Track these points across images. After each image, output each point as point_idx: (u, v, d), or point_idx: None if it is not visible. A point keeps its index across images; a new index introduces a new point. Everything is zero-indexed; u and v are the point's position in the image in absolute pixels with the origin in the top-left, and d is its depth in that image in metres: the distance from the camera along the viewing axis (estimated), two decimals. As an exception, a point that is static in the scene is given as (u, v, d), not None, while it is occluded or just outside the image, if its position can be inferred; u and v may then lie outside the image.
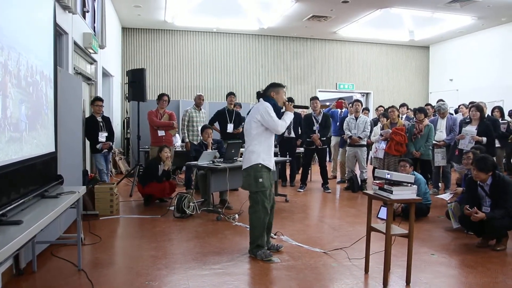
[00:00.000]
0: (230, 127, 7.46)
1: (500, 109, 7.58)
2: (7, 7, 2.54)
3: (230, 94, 7.75)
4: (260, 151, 3.79)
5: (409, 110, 9.04)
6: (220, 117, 7.63)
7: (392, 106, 7.19)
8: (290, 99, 7.82)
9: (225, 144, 6.61)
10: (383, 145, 6.89)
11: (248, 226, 4.07)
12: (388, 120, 7.07)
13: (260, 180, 3.75)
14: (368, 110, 10.23)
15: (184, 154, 7.48)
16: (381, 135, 6.95)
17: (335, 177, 8.86)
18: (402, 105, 8.81)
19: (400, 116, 8.26)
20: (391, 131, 6.75)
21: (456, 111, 8.72)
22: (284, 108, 3.97)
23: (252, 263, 3.64)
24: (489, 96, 10.72)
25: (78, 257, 3.41)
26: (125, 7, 10.24)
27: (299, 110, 7.31)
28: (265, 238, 3.85)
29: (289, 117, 3.90)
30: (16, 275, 3.26)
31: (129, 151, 9.94)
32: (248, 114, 4.05)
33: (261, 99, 3.91)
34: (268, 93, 3.91)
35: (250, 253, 3.84)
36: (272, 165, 3.87)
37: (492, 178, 4.08)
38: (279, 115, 3.85)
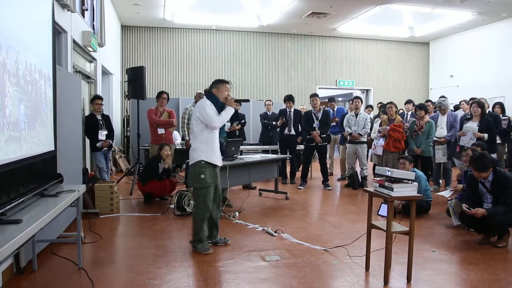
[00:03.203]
0: (227, 126, 7.42)
1: (501, 105, 7.55)
2: (5, 6, 2.52)
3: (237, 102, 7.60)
4: (203, 148, 3.84)
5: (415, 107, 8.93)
6: None
7: (390, 102, 7.14)
8: (290, 97, 7.84)
9: (225, 142, 6.59)
10: (381, 141, 6.87)
11: (247, 224, 4.61)
12: (386, 117, 7.06)
13: (202, 176, 3.82)
14: (372, 108, 10.18)
15: (184, 152, 7.46)
16: (379, 131, 6.93)
17: (331, 173, 8.84)
18: (408, 101, 8.53)
19: (406, 112, 8.21)
20: (389, 127, 6.73)
21: (456, 108, 8.67)
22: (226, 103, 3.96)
23: (253, 260, 3.64)
24: (490, 92, 10.69)
25: (79, 256, 3.41)
26: (124, 5, 10.22)
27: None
28: (205, 232, 3.88)
29: (228, 111, 3.89)
30: (17, 274, 3.25)
31: (129, 149, 9.94)
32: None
33: (204, 97, 4.00)
34: (211, 90, 3.99)
35: (191, 245, 3.92)
36: (217, 161, 3.92)
37: (493, 174, 4.06)
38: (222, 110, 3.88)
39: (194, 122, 3.89)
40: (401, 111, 9.69)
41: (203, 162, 3.83)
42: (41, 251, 3.67)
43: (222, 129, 4.00)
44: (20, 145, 2.70)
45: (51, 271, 3.39)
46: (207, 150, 3.85)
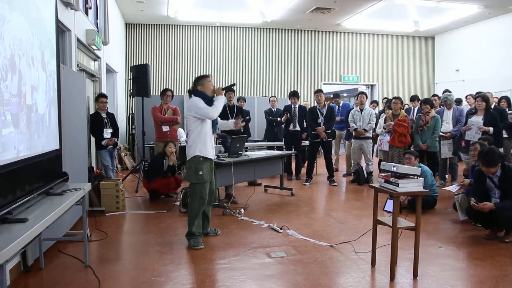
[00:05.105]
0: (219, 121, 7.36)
1: (507, 99, 7.48)
2: (9, 5, 2.53)
3: (228, 91, 7.58)
4: (197, 143, 3.97)
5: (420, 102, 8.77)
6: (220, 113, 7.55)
7: (396, 98, 7.08)
8: (295, 93, 7.82)
9: (229, 138, 6.59)
10: (387, 137, 6.84)
11: (252, 220, 4.70)
12: (391, 112, 7.02)
13: (200, 172, 3.94)
14: (377, 103, 10.10)
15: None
16: (384, 127, 6.89)
17: (337, 169, 8.81)
18: (413, 98, 8.08)
19: (412, 108, 8.12)
20: (393, 123, 6.69)
21: (458, 102, 8.55)
22: (215, 95, 4.08)
23: (258, 257, 3.64)
24: (496, 86, 10.60)
25: (85, 254, 3.43)
26: (127, 2, 10.22)
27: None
28: (197, 226, 3.99)
29: (220, 100, 4.02)
30: (24, 272, 3.28)
31: (134, 147, 9.98)
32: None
33: (192, 96, 4.07)
34: (196, 88, 4.07)
35: (186, 238, 4.03)
36: (211, 155, 4.03)
37: (501, 169, 4.03)
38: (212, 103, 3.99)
39: (188, 121, 4.02)
40: (406, 106, 9.63)
41: (200, 158, 3.95)
42: (48, 249, 3.70)
43: (213, 122, 4.15)
44: (25, 144, 2.71)
45: (58, 269, 3.41)
46: (201, 144, 3.96)
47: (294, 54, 13.35)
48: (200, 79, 4.09)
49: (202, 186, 3.97)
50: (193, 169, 3.93)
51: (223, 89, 4.16)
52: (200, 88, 4.05)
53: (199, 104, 3.92)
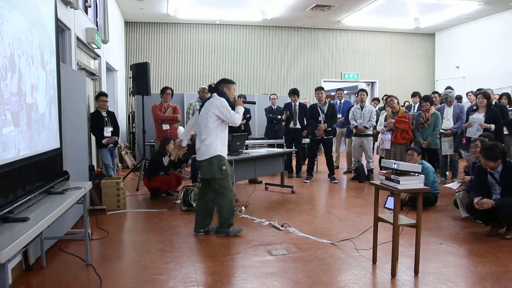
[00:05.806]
0: None
1: (508, 96, 7.47)
2: (8, 3, 2.52)
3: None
4: (218, 143, 4.07)
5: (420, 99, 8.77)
6: None
7: (390, 96, 7.10)
8: (295, 91, 7.81)
9: (230, 136, 6.58)
10: (388, 135, 6.83)
11: (253, 218, 4.67)
12: (391, 110, 7.01)
13: (224, 167, 4.08)
14: (378, 101, 10.09)
15: (190, 147, 7.46)
16: (385, 126, 6.89)
17: (337, 167, 8.81)
18: (414, 94, 8.25)
19: (413, 105, 8.14)
20: (394, 120, 6.69)
21: (459, 99, 8.52)
22: (235, 103, 4.24)
23: (260, 255, 3.64)
24: (496, 83, 10.58)
25: (86, 252, 3.43)
26: (127, 1, 10.21)
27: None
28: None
29: (241, 110, 4.19)
30: (26, 271, 3.28)
31: (135, 145, 9.98)
32: (200, 107, 4.24)
33: (215, 94, 4.14)
34: (221, 88, 4.16)
35: (219, 233, 4.17)
36: (226, 156, 4.20)
37: (502, 165, 4.03)
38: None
39: (209, 117, 4.01)
40: (407, 103, 9.64)
41: (220, 155, 4.06)
42: (49, 248, 3.70)
43: None
44: (25, 143, 2.71)
45: (60, 267, 3.41)
46: (221, 144, 4.11)
47: (294, 52, 13.32)
48: (228, 83, 4.21)
49: (227, 179, 4.12)
50: (216, 166, 4.04)
51: (243, 101, 4.34)
52: (226, 90, 4.16)
53: (229, 107, 4.03)
